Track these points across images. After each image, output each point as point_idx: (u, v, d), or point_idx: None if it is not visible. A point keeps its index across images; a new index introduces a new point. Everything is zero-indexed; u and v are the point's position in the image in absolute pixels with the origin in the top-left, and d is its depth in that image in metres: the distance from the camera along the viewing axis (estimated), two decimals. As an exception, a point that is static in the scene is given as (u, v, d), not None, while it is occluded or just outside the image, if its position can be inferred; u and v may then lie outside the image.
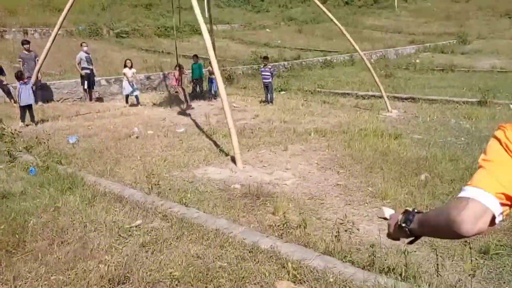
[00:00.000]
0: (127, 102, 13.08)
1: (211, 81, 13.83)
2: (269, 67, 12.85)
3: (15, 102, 11.33)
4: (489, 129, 8.54)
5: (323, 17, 23.27)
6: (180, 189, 5.73)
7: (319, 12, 21.80)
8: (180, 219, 4.62)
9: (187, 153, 7.58)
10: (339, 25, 11.38)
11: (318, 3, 12.09)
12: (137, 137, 8.73)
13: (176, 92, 13.48)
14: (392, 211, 4.57)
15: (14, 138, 7.15)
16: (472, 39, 28.44)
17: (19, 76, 10.01)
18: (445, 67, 18.40)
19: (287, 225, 4.46)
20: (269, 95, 12.60)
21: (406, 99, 12.42)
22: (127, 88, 12.89)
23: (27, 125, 9.83)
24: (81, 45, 13.60)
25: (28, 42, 12.73)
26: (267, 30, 31.76)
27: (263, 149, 7.79)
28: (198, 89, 14.53)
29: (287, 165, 6.91)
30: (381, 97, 11.55)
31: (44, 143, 7.31)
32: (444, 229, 1.14)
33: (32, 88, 10.24)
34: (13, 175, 6.24)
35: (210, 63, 10.63)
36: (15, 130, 7.56)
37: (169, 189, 5.74)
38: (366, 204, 5.31)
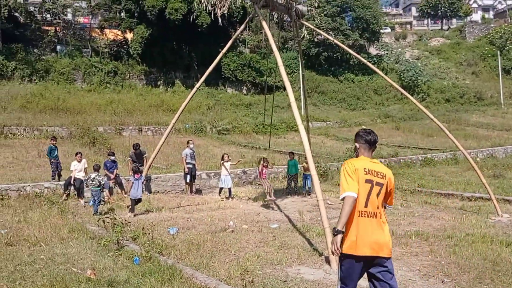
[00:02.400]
0: (220, 194, 13.69)
1: (305, 177, 13.99)
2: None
3: (125, 193, 12.41)
4: None
5: (422, 114, 22.99)
6: (274, 289, 5.64)
7: (417, 109, 21.62)
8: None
9: (280, 250, 7.53)
10: (438, 122, 11.13)
11: (415, 101, 12.10)
12: (232, 231, 8.93)
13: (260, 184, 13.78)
14: None
15: (124, 228, 7.73)
16: None
17: (136, 171, 11.02)
18: None
19: None
20: (364, 193, 12.30)
21: (518, 202, 11.36)
22: (225, 182, 13.50)
23: (135, 215, 10.60)
24: (187, 142, 14.78)
25: (139, 146, 14.05)
26: (363, 127, 31.91)
27: (359, 251, 7.46)
28: (292, 184, 14.74)
29: (385, 270, 6.50)
30: (489, 199, 10.70)
31: (149, 233, 7.79)
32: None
33: (143, 182, 11.20)
34: (119, 263, 6.65)
35: (305, 159, 10.89)
36: (125, 220, 8.19)
37: (263, 288, 5.68)
38: (478, 322, 4.74)
